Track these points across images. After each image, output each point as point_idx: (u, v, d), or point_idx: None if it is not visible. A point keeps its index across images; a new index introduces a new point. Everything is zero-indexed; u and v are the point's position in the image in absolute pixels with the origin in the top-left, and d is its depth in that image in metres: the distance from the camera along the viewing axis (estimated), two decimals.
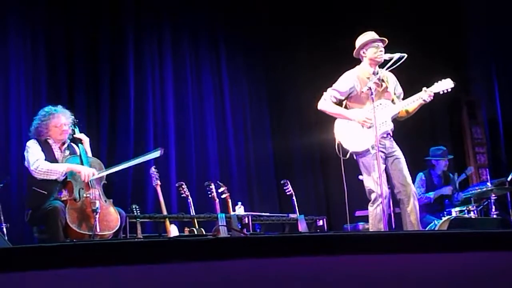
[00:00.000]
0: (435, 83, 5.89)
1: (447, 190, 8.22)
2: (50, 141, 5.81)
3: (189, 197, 7.29)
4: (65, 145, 5.90)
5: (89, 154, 5.97)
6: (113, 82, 8.54)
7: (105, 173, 5.79)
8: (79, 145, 5.90)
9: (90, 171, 5.61)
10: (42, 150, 5.69)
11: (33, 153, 5.64)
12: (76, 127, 6.01)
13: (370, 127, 5.70)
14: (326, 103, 6.01)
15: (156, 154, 6.12)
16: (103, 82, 8.45)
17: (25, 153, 5.74)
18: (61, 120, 5.83)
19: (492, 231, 4.74)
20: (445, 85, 5.87)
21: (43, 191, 5.53)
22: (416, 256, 3.40)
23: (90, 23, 8.47)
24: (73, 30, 8.33)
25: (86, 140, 5.98)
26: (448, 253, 3.43)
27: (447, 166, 8.55)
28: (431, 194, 8.23)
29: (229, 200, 7.48)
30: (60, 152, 5.82)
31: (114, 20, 8.70)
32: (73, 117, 5.98)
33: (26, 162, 5.71)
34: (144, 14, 8.96)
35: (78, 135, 5.96)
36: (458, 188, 8.42)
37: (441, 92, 5.88)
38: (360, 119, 5.82)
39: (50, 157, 5.70)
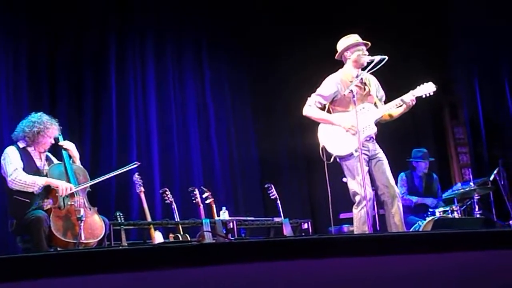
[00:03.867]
0: (418, 87, 5.91)
1: (430, 201, 8.24)
2: (30, 149, 5.74)
3: (173, 203, 7.28)
4: (44, 154, 5.85)
5: (78, 159, 5.93)
6: (96, 89, 8.50)
7: (83, 186, 5.73)
8: (63, 152, 5.85)
9: (68, 186, 5.55)
10: (22, 159, 5.62)
11: (11, 162, 5.56)
12: (60, 134, 5.95)
13: (355, 134, 5.72)
14: (311, 109, 6.02)
15: (133, 166, 6.23)
16: (85, 89, 8.41)
17: (2, 161, 5.64)
18: (55, 132, 5.81)
19: (475, 230, 4.76)
20: (428, 88, 5.90)
21: (26, 200, 5.48)
22: (401, 257, 3.41)
23: (72, 29, 8.42)
24: (55, 36, 8.28)
25: (71, 146, 5.92)
26: (432, 253, 3.44)
27: (428, 168, 8.58)
28: (414, 199, 8.25)
29: (214, 205, 7.47)
30: (40, 161, 5.77)
31: (97, 26, 8.66)
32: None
33: (2, 171, 5.63)
34: (127, 20, 8.93)
35: (63, 142, 5.90)
36: (439, 193, 8.45)
37: (424, 96, 5.91)
38: (346, 126, 5.83)
39: (31, 166, 5.65)
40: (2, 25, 7.88)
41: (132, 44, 8.93)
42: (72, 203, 5.50)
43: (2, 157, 5.67)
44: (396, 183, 6.50)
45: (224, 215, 7.50)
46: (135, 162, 6.29)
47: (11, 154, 5.63)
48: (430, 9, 10.25)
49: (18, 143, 5.75)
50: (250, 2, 9.80)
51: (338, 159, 5.92)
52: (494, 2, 9.59)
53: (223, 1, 9.62)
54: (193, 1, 9.48)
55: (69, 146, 5.91)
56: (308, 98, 6.06)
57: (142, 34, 9.06)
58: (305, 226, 7.91)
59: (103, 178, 5.99)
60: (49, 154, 5.94)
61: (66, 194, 5.51)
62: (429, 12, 10.26)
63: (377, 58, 5.80)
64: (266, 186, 8.04)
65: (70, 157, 5.89)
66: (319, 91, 6.04)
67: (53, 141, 5.82)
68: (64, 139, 5.96)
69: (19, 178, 5.49)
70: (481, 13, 9.82)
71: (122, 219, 6.76)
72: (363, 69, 5.94)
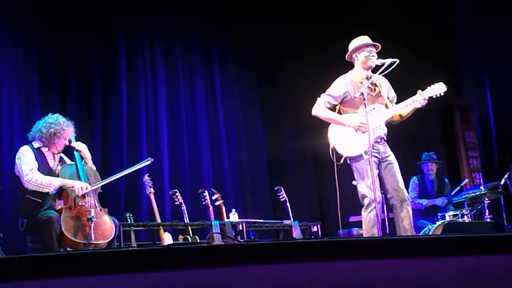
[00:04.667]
0: (428, 87, 5.90)
1: (440, 202, 8.21)
2: (44, 150, 5.77)
3: (183, 205, 7.28)
4: (58, 155, 5.88)
5: (90, 160, 5.95)
6: (106, 90, 8.53)
7: (97, 185, 5.76)
8: (75, 152, 5.87)
9: (84, 185, 5.57)
10: (36, 159, 5.64)
11: (26, 162, 5.58)
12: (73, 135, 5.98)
13: (365, 132, 5.70)
14: (320, 108, 6.01)
15: (146, 163, 6.23)
16: (96, 90, 8.45)
17: (16, 160, 5.67)
18: (70, 134, 5.84)
19: (486, 235, 4.75)
20: (438, 89, 5.88)
21: (37, 199, 5.50)
22: (410, 261, 3.40)
23: (82, 30, 8.45)
24: (65, 38, 8.32)
25: (83, 147, 5.93)
26: (442, 257, 3.43)
27: (437, 170, 8.55)
28: (424, 201, 8.23)
29: (223, 207, 7.47)
30: (54, 161, 5.80)
31: (106, 28, 8.69)
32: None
33: (17, 170, 5.65)
34: (136, 21, 8.96)
35: (75, 143, 5.91)
36: (451, 196, 8.42)
37: (434, 96, 5.89)
38: (355, 124, 5.81)
39: (45, 166, 5.67)
40: (12, 27, 7.92)
41: (141, 44, 8.96)
42: (83, 203, 5.52)
43: (17, 157, 5.69)
44: (408, 187, 6.48)
45: (234, 217, 7.50)
46: (148, 158, 6.31)
47: (26, 153, 5.65)
48: (440, 12, 10.23)
49: (33, 143, 5.77)
50: (259, 2, 9.80)
51: (348, 161, 5.90)
52: (505, 4, 9.55)
53: (231, 1, 9.62)
54: (201, 1, 9.49)
55: (81, 147, 5.92)
56: (318, 98, 6.05)
57: (151, 34, 9.08)
58: (315, 228, 7.90)
59: (116, 177, 6.00)
60: (63, 155, 5.96)
61: (82, 194, 5.53)
62: (438, 15, 10.24)
63: (388, 61, 5.78)
64: (275, 188, 8.03)
65: (82, 158, 5.91)
66: (329, 91, 6.02)
67: (67, 143, 5.85)
68: (76, 140, 5.98)
69: (35, 179, 5.51)
70: (490, 14, 9.80)
71: (132, 220, 6.78)
72: (374, 71, 5.93)
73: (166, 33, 9.23)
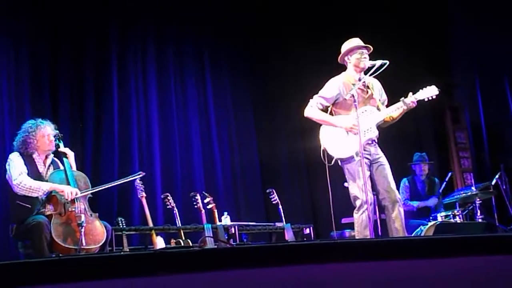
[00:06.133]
0: (420, 90, 5.91)
1: (431, 202, 8.22)
2: (34, 155, 5.77)
3: (175, 208, 7.27)
4: (49, 160, 5.87)
5: (74, 168, 5.94)
6: (97, 95, 8.49)
7: (87, 192, 5.76)
8: (64, 159, 5.86)
9: (74, 190, 5.57)
10: (25, 164, 5.65)
11: (16, 166, 5.60)
12: (61, 141, 5.96)
13: (357, 134, 5.71)
14: (312, 110, 6.02)
15: (138, 176, 6.29)
16: (87, 96, 8.40)
17: (6, 166, 5.69)
18: (47, 130, 5.84)
19: (477, 235, 4.76)
20: (430, 92, 5.90)
21: (27, 205, 5.49)
22: (402, 262, 3.41)
23: (74, 36, 8.41)
24: (57, 44, 8.27)
25: (71, 154, 5.94)
26: (434, 258, 3.44)
27: (428, 170, 8.58)
28: (415, 203, 8.24)
29: (215, 210, 7.46)
30: (44, 167, 5.79)
31: (99, 32, 8.66)
32: (57, 131, 5.97)
33: (7, 176, 5.66)
34: (129, 26, 8.93)
35: (63, 149, 5.91)
36: (441, 195, 8.44)
37: (426, 99, 5.91)
38: (347, 125, 5.83)
39: (34, 171, 5.67)
40: (3, 31, 7.86)
41: (134, 49, 8.92)
42: (73, 209, 5.50)
43: (7, 163, 5.71)
44: (398, 189, 6.48)
45: (226, 220, 7.49)
46: (140, 172, 6.31)
47: (15, 159, 5.68)
48: (432, 14, 10.27)
49: (21, 150, 5.79)
50: (251, 7, 9.80)
51: (339, 162, 5.91)
52: (496, 7, 9.60)
53: (224, 6, 9.62)
54: (194, 7, 9.47)
55: (69, 153, 5.93)
56: (310, 100, 6.06)
57: (143, 39, 9.06)
58: (307, 231, 7.90)
59: (106, 186, 6.01)
60: (56, 159, 5.95)
61: (71, 199, 5.52)
62: (431, 17, 10.27)
63: (378, 62, 5.79)
64: (267, 191, 8.03)
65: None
66: (321, 92, 6.04)
67: (52, 139, 5.85)
68: (65, 146, 5.97)
69: (24, 183, 5.51)
70: (482, 16, 9.84)
71: (124, 224, 6.76)
72: (366, 72, 5.94)
73: (159, 37, 9.20)
